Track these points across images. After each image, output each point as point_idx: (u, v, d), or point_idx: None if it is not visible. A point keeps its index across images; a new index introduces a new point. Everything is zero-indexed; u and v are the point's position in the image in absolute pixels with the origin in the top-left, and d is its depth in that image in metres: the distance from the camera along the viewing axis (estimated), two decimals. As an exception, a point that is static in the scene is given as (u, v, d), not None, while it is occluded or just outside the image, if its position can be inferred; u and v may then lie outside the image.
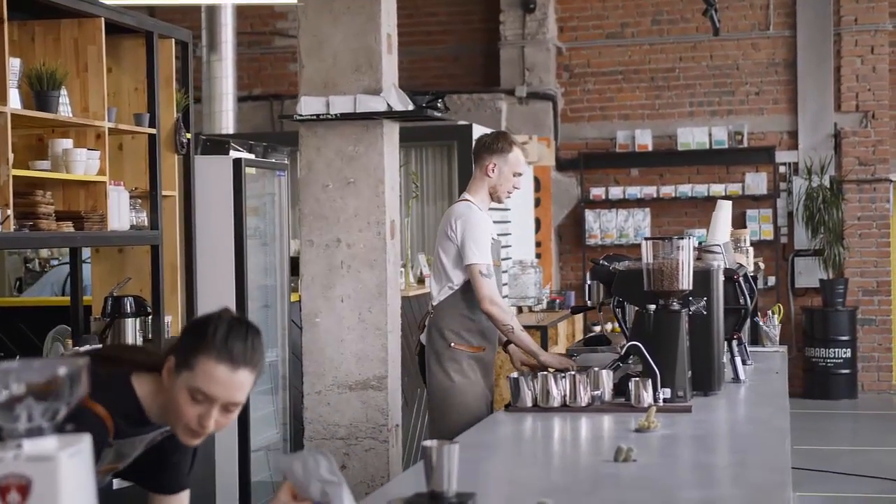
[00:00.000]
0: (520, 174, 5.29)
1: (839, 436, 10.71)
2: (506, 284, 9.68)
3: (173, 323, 5.77)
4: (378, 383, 5.69)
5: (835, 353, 12.12)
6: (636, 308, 4.51)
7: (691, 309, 4.43)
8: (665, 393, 4.22)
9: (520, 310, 10.15)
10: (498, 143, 5.26)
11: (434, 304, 5.24)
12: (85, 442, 1.78)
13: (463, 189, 9.91)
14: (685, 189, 12.63)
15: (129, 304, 5.35)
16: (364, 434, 5.66)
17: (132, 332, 5.34)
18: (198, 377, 2.53)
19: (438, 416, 5.22)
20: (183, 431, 2.61)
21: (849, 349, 12.14)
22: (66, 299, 5.68)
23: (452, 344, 5.16)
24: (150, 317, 5.50)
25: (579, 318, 11.28)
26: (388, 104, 5.61)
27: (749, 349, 5.78)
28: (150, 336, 5.52)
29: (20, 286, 8.56)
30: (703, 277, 4.50)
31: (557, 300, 11.14)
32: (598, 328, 11.70)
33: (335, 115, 5.61)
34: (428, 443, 2.71)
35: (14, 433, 1.72)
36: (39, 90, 4.76)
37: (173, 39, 5.83)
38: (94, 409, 2.57)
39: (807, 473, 8.52)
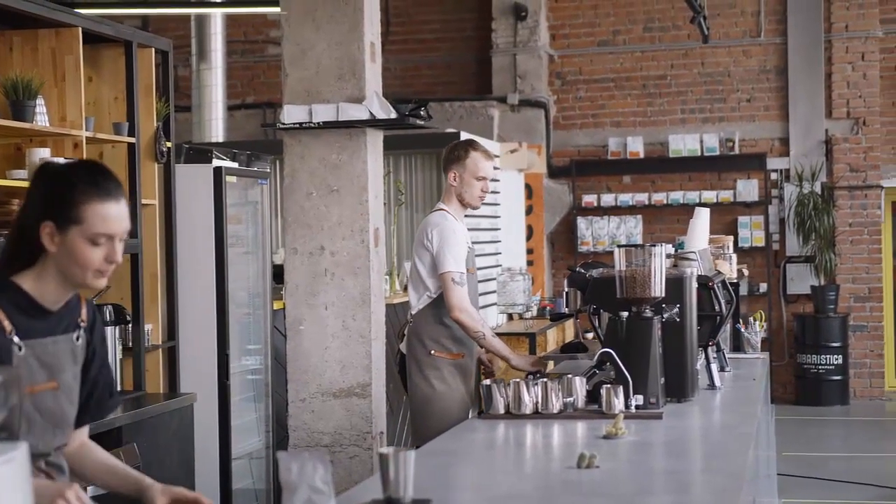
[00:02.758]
0: (483, 178, 5.35)
1: (830, 442, 10.71)
2: (493, 292, 9.70)
3: (153, 331, 5.79)
4: (362, 391, 5.70)
5: (826, 359, 12.12)
6: (609, 315, 4.53)
7: (664, 316, 4.45)
8: (637, 400, 4.23)
9: (510, 317, 10.16)
10: (454, 151, 5.38)
11: (413, 312, 5.33)
12: (20, 450, 1.79)
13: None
14: (677, 196, 12.65)
15: (108, 313, 5.36)
16: (348, 441, 5.67)
17: (112, 340, 5.35)
18: (92, 225, 2.62)
19: (420, 423, 5.27)
20: (92, 277, 2.67)
21: (840, 355, 12.15)
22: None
23: (432, 352, 5.25)
24: (129, 325, 5.51)
25: (570, 324, 11.29)
26: (371, 112, 5.63)
27: (730, 356, 5.80)
28: (130, 344, 5.54)
29: None
30: (676, 284, 4.51)
31: (548, 307, 11.15)
32: (590, 335, 11.70)
33: (318, 123, 5.63)
34: (384, 450, 2.73)
35: (-53, 441, 1.74)
36: (15, 99, 4.78)
37: (153, 49, 5.85)
38: None
39: (796, 480, 8.53)
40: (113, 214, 2.65)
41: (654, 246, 4.38)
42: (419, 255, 5.29)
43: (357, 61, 5.69)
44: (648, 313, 4.37)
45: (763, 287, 12.44)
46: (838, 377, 12.16)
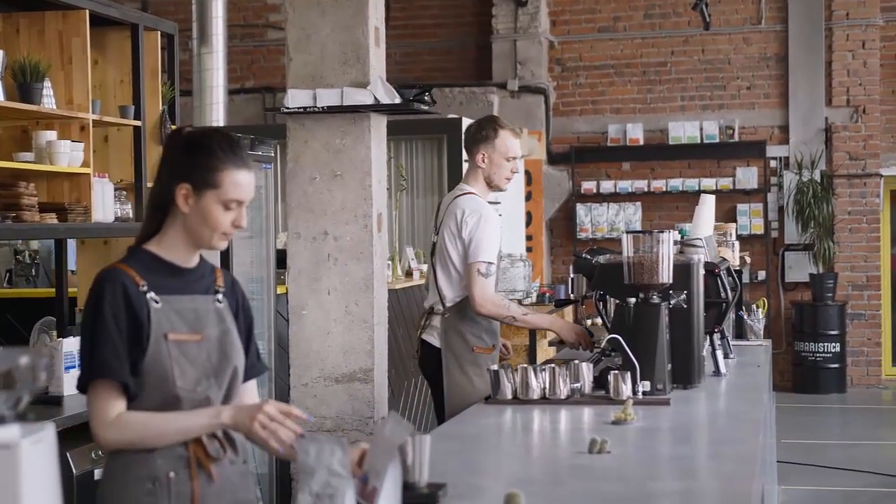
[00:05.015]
0: (513, 158, 5.13)
1: (828, 430, 10.74)
2: (494, 278, 9.70)
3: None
4: (364, 376, 5.70)
5: (824, 347, 12.15)
6: (616, 301, 4.53)
7: (671, 302, 4.44)
8: (644, 386, 4.24)
9: (509, 303, 10.16)
10: (482, 130, 5.14)
11: (447, 304, 5.07)
12: (48, 431, 1.79)
13: (453, 181, 9.95)
14: (676, 183, 12.66)
15: (113, 297, 5.35)
16: (350, 426, 5.67)
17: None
18: (227, 190, 2.79)
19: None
20: (217, 239, 2.84)
21: (838, 343, 12.18)
22: (53, 291, 5.68)
23: (475, 348, 5.04)
24: (135, 308, 5.50)
25: (570, 310, 11.31)
26: (375, 97, 5.62)
27: (733, 343, 5.80)
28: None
29: (10, 278, 8.58)
30: (683, 271, 4.51)
31: (548, 293, 11.17)
32: (589, 321, 11.72)
33: (322, 107, 5.62)
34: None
35: (-25, 421, 1.74)
36: (23, 82, 4.76)
37: (159, 32, 5.84)
38: (108, 267, 2.83)
39: (794, 467, 8.55)
40: (246, 182, 2.82)
41: (662, 232, 4.38)
42: (451, 244, 5.03)
43: (361, 46, 5.69)
44: (656, 300, 4.37)
45: (762, 275, 12.46)
46: (836, 365, 12.19)
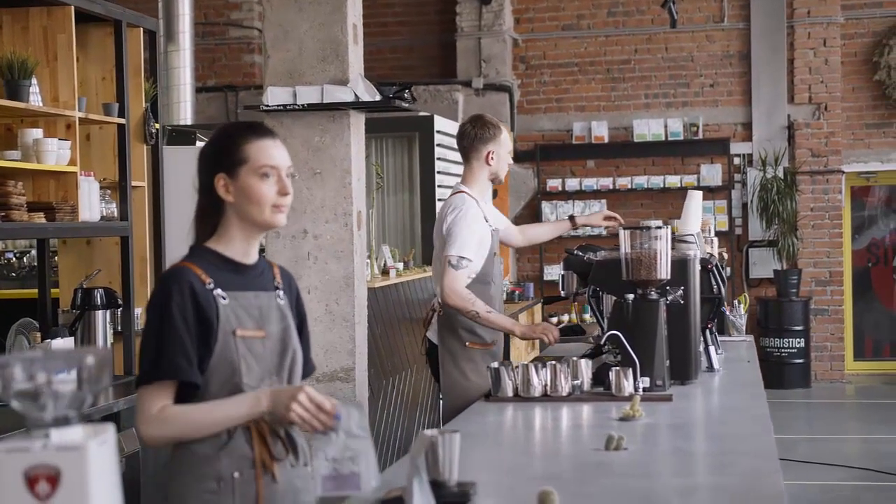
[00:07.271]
0: (510, 151, 5.25)
1: (794, 425, 10.82)
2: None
3: (143, 315, 5.71)
4: (345, 375, 5.68)
5: (788, 342, 12.25)
6: (614, 298, 4.52)
7: (669, 298, 4.45)
8: (644, 382, 4.24)
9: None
10: (487, 129, 5.16)
11: (441, 301, 5.07)
12: (110, 432, 1.76)
13: (425, 179, 9.92)
14: (641, 181, 12.70)
15: (99, 296, 5.28)
16: (331, 426, 5.63)
17: (102, 324, 5.27)
18: (256, 159, 2.78)
19: (455, 415, 5.07)
20: (270, 214, 2.79)
21: (802, 339, 12.27)
22: (34, 291, 5.59)
23: (468, 343, 5.06)
24: (120, 309, 5.43)
25: (538, 308, 11.35)
26: (356, 94, 5.58)
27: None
28: (119, 328, 5.46)
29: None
30: (680, 266, 4.52)
31: (516, 291, 11.19)
32: (555, 319, 11.75)
33: (302, 105, 5.58)
34: (429, 432, 2.70)
35: (41, 423, 1.70)
36: (10, 79, 4.68)
37: (141, 29, 5.76)
38: (174, 265, 2.81)
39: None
40: (271, 148, 2.81)
41: (660, 228, 4.39)
42: (438, 242, 5.07)
43: (340, 43, 5.66)
44: (654, 295, 4.38)
45: (727, 271, 12.52)
46: (800, 360, 12.29)
